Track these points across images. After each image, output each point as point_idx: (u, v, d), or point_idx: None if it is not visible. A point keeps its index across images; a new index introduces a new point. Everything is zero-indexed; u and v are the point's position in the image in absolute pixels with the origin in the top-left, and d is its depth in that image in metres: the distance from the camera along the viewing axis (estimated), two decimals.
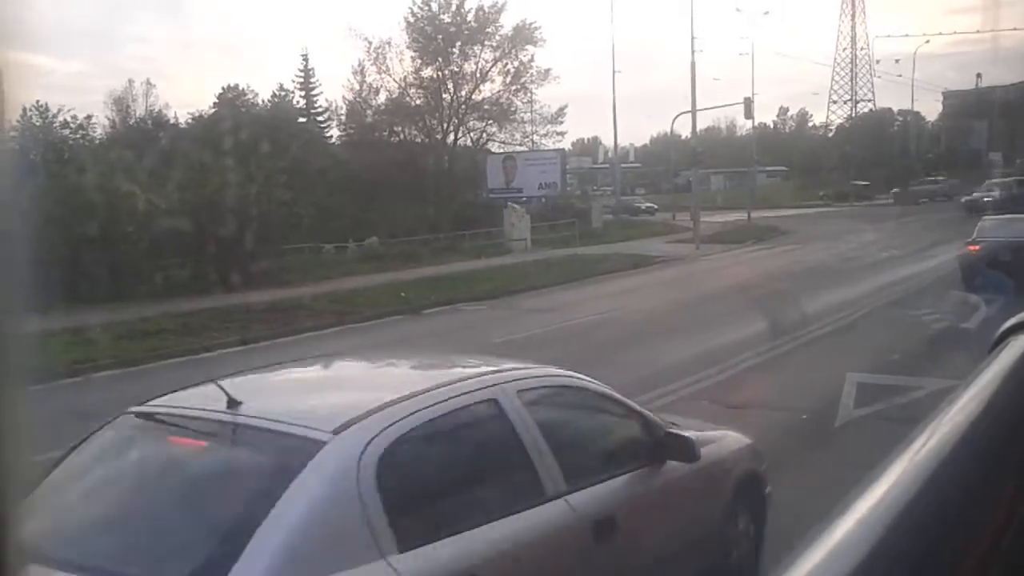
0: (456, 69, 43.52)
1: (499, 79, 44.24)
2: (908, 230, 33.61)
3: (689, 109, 39.14)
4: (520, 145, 44.66)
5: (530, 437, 3.63)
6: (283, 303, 18.27)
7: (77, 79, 75.85)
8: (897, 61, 71.12)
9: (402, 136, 43.82)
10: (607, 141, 72.52)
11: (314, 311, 17.78)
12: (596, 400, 4.35)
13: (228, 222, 20.48)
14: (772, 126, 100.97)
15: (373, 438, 3.10)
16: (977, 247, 16.53)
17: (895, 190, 54.95)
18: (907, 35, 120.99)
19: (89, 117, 39.08)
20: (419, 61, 43.42)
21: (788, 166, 77.41)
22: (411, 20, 43.12)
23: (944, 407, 0.92)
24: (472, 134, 44.83)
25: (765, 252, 29.70)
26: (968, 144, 66.04)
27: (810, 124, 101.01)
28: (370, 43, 43.26)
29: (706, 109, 51.31)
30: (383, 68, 43.49)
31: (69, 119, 37.59)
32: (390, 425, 3.18)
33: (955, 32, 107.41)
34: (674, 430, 4.36)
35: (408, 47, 43.37)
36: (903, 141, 72.17)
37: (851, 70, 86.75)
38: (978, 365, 1.04)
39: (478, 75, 43.85)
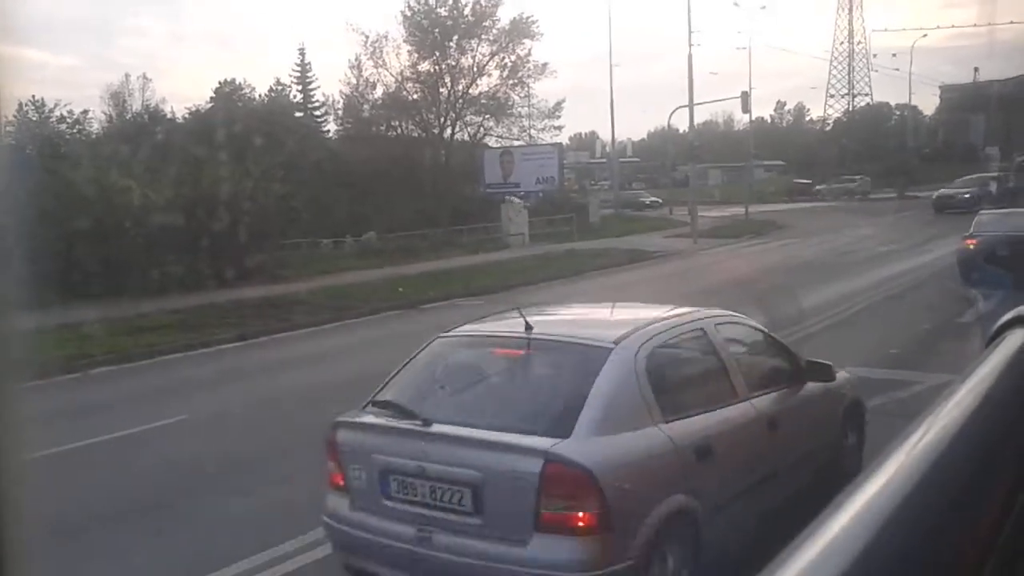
0: (453, 63, 43.48)
1: (496, 73, 44.25)
2: (903, 225, 33.64)
3: (687, 103, 39.14)
4: (517, 140, 44.67)
5: (726, 356, 5.26)
6: (280, 298, 18.24)
7: (71, 73, 75.87)
8: (894, 55, 71.67)
9: (399, 131, 43.75)
10: (604, 136, 72.53)
11: (312, 306, 17.75)
12: (759, 335, 5.98)
13: (225, 217, 20.41)
14: (770, 120, 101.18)
15: (640, 347, 4.68)
16: (975, 241, 16.53)
17: (820, 187, 58.82)
18: (904, 29, 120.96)
19: (85, 112, 39.10)
20: (416, 55, 43.39)
21: (785, 160, 77.36)
22: (408, 14, 43.09)
23: (942, 401, 0.92)
24: (469, 128, 44.81)
25: (762, 247, 29.71)
26: (965, 138, 66.02)
27: (807, 118, 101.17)
28: (367, 37, 43.24)
29: (704, 103, 51.63)
30: (380, 62, 43.48)
31: (65, 113, 37.55)
32: (646, 340, 4.77)
33: (952, 26, 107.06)
34: (814, 359, 6.02)
35: (405, 41, 43.36)
36: (900, 135, 72.20)
37: (848, 64, 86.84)
38: (976, 359, 1.04)
39: (475, 69, 43.83)
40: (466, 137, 44.72)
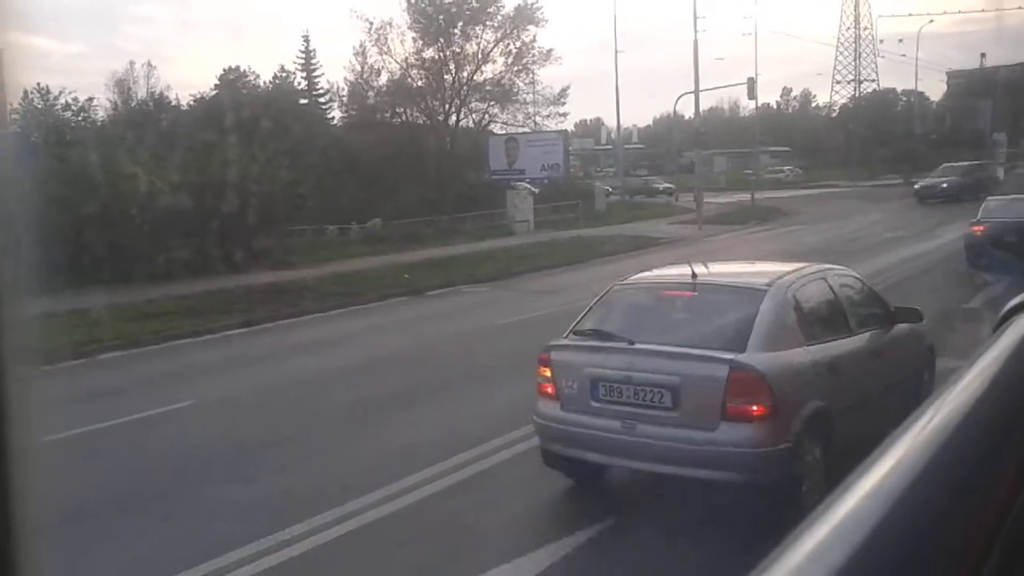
0: (458, 50, 43.25)
1: (501, 60, 43.96)
2: (909, 212, 33.52)
3: (692, 90, 38.98)
4: (522, 126, 44.40)
5: (842, 299, 6.73)
6: (287, 285, 18.28)
7: (76, 61, 75.60)
8: (901, 41, 70.78)
9: (404, 117, 43.56)
10: (610, 122, 72.17)
11: (318, 293, 17.78)
12: (862, 285, 7.35)
13: (231, 204, 20.44)
14: (775, 106, 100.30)
15: (786, 289, 6.12)
16: (982, 227, 16.46)
17: (752, 177, 60.54)
18: (910, 15, 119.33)
19: (91, 99, 38.80)
20: (420, 42, 43.14)
21: (791, 147, 77.02)
22: (412, 1, 42.85)
23: (948, 386, 0.92)
24: (474, 115, 44.59)
25: (768, 233, 29.63)
26: (973, 124, 65.59)
27: (813, 104, 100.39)
28: (371, 24, 43.00)
29: (709, 89, 51.23)
30: (384, 49, 43.23)
31: (70, 101, 37.41)
32: (790, 284, 6.19)
33: (959, 11, 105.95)
34: (902, 305, 7.42)
35: (409, 28, 43.10)
36: (907, 121, 71.77)
37: (855, 50, 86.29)
38: (983, 344, 1.04)
39: (480, 56, 43.57)
40: (471, 124, 44.53)
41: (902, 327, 7.13)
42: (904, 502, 0.70)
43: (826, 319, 6.54)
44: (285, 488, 6.89)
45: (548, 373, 6.18)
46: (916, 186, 38.28)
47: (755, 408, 5.43)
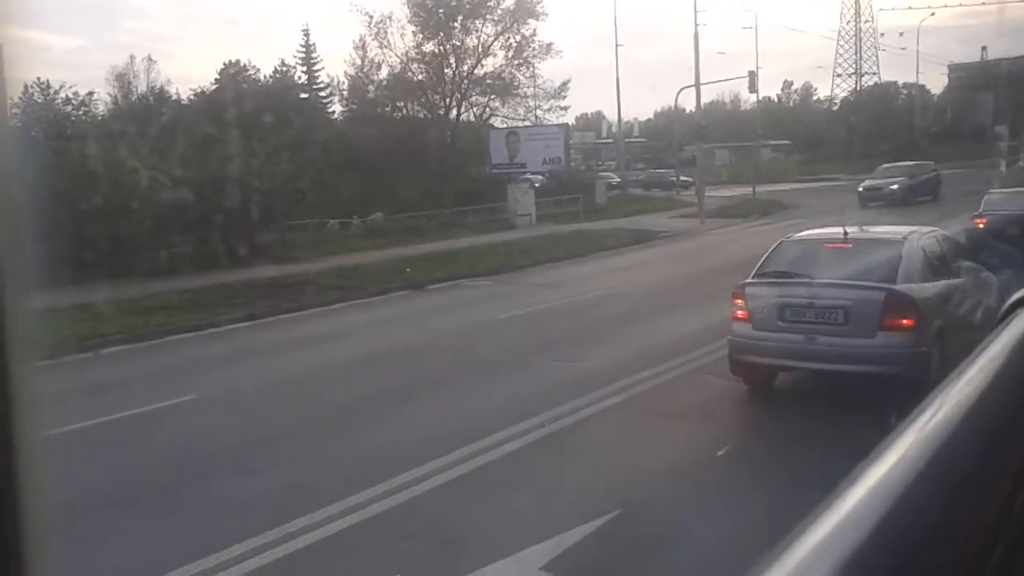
0: (458, 43, 43.14)
1: (501, 53, 43.84)
2: (911, 204, 33.39)
3: (693, 83, 38.91)
4: (523, 120, 44.33)
5: (947, 251, 8.99)
6: (288, 279, 18.27)
7: (77, 55, 75.32)
8: (901, 34, 70.60)
9: (404, 111, 43.49)
10: (611, 116, 71.94)
11: (320, 287, 17.77)
12: (957, 243, 9.59)
13: (232, 197, 20.41)
14: (776, 100, 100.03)
15: (916, 240, 8.61)
16: (984, 220, 16.44)
17: (641, 177, 61.02)
18: (911, 7, 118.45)
19: (91, 93, 38.69)
20: (420, 36, 43.02)
21: (792, 140, 76.83)
22: None
23: (952, 379, 0.92)
24: (475, 109, 44.49)
25: (770, 227, 29.55)
26: (974, 117, 65.46)
27: (814, 98, 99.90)
28: (371, 18, 42.89)
29: (710, 83, 51.09)
30: (384, 43, 43.13)
31: (71, 95, 37.33)
32: (918, 238, 8.68)
33: (960, 4, 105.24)
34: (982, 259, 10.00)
35: (409, 21, 42.99)
36: (908, 114, 71.61)
37: (855, 43, 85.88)
38: (986, 338, 1.04)
39: (480, 49, 43.46)
40: (472, 118, 44.41)
41: (983, 274, 9.41)
42: (907, 496, 0.70)
43: (939, 264, 8.65)
44: (289, 482, 6.91)
45: (742, 303, 8.48)
46: (860, 188, 34.74)
47: (905, 321, 7.70)
